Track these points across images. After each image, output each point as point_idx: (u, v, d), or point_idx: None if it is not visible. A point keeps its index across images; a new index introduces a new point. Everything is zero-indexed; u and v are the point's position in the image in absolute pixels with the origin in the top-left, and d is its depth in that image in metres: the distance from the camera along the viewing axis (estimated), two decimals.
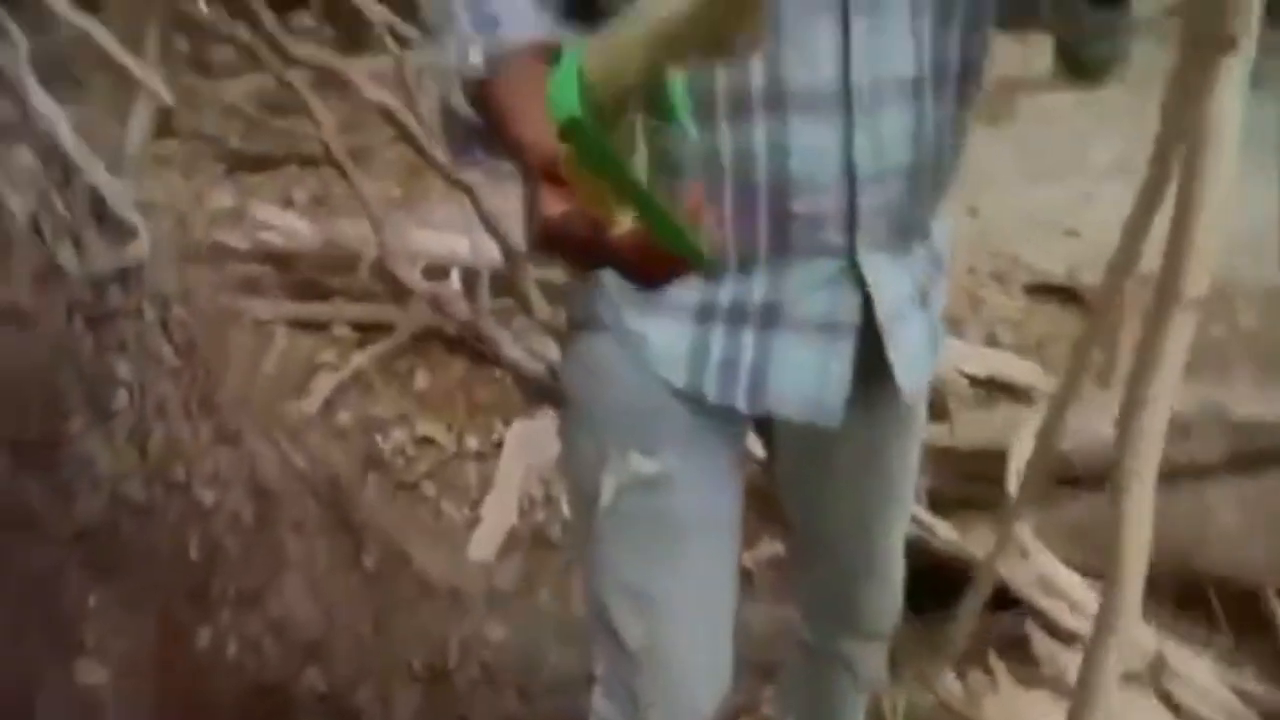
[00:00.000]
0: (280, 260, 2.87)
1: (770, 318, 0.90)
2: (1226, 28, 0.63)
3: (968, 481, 1.92)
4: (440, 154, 2.11)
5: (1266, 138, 1.91)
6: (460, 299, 2.44)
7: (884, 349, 0.93)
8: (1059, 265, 2.83)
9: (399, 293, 2.60)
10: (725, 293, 0.90)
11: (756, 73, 0.81)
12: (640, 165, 0.57)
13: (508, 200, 1.93)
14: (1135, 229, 0.94)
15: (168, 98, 1.67)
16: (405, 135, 2.04)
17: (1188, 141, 0.68)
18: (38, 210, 1.34)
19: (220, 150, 3.63)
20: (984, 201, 3.06)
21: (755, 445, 1.19)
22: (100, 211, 1.36)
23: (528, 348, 2.32)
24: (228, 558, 1.55)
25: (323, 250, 2.83)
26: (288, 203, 3.30)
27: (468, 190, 2.04)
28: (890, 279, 0.91)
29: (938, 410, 1.97)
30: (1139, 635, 1.52)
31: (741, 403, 0.93)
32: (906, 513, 1.19)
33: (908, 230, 0.92)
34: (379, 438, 2.39)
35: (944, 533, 1.80)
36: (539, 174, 0.55)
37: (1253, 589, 1.82)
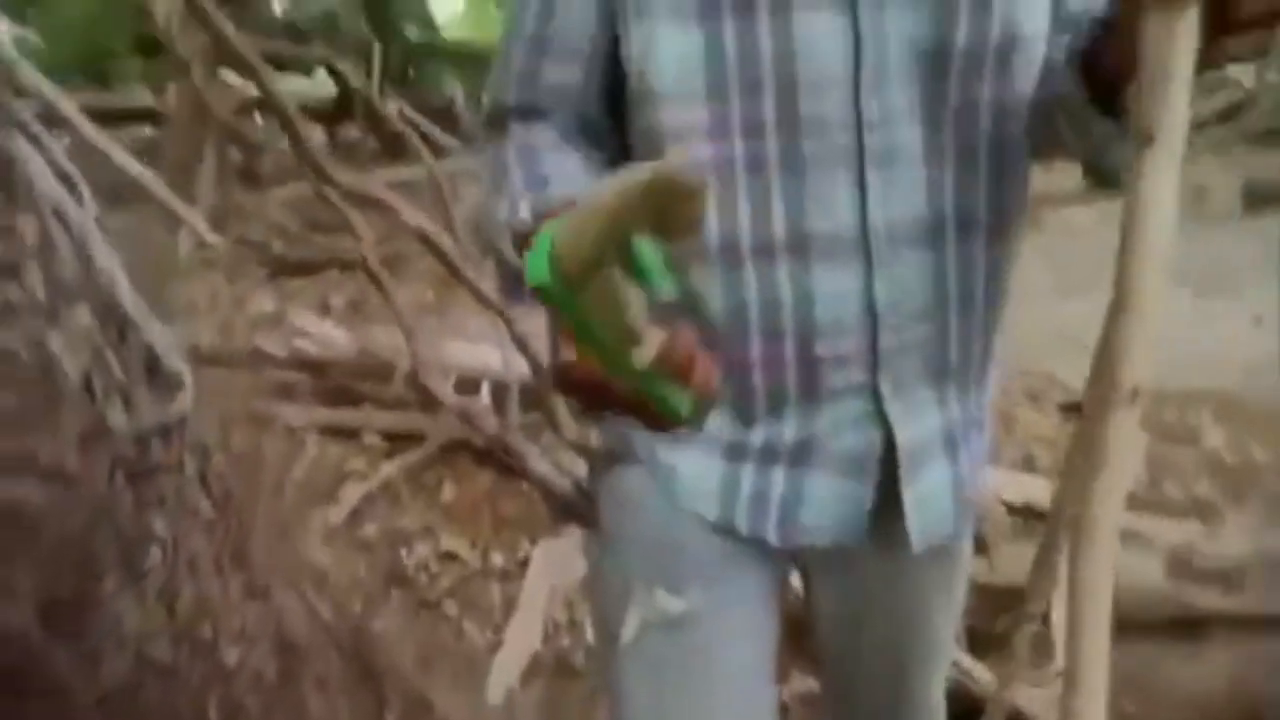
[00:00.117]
0: (315, 367, 2.92)
1: (801, 455, 0.90)
2: (1144, 121, 0.66)
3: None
4: (471, 271, 2.14)
5: None
6: (489, 413, 2.45)
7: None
8: None
9: (429, 402, 2.62)
10: (757, 434, 0.90)
11: (779, 221, 0.83)
12: (638, 316, 0.59)
13: (538, 322, 1.95)
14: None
15: (210, 236, 1.72)
16: (441, 258, 2.08)
17: (1120, 235, 0.69)
18: (91, 369, 1.35)
19: (263, 255, 3.73)
20: (1014, 317, 3.04)
21: (794, 579, 1.16)
22: (152, 365, 1.38)
23: (555, 462, 2.31)
24: (249, 718, 1.52)
25: (357, 359, 2.87)
26: (325, 308, 3.37)
27: (500, 312, 2.06)
28: (913, 419, 0.90)
29: (976, 543, 1.91)
30: None
31: (772, 535, 0.92)
32: (946, 659, 1.14)
33: (940, 374, 0.91)
34: (404, 551, 2.39)
35: (982, 675, 1.73)
36: (555, 325, 0.62)
37: None
